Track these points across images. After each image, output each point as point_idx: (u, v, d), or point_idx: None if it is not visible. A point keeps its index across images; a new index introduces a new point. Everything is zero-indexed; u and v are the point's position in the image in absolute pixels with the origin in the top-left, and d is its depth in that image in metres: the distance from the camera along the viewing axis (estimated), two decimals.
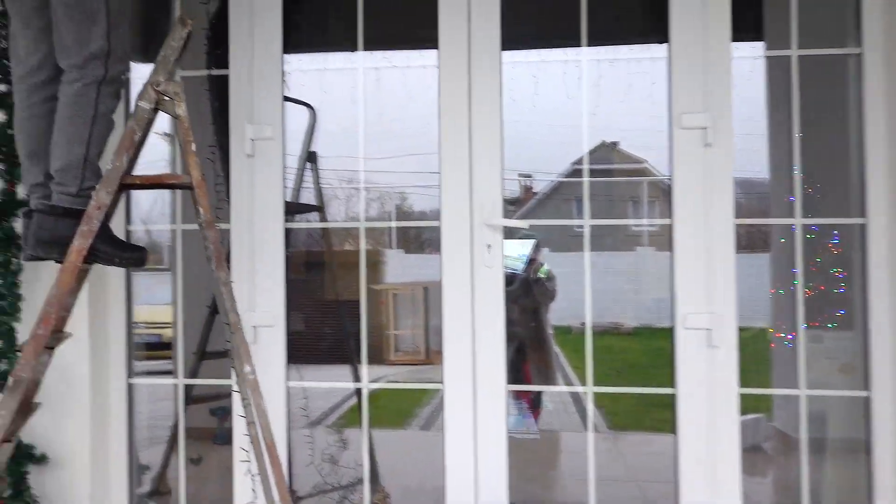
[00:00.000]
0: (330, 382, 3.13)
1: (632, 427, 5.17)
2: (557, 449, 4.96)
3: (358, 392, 3.08)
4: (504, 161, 2.43)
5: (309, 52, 2.93)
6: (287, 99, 2.97)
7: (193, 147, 1.91)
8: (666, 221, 2.39)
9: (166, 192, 2.72)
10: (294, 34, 2.73)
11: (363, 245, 2.58)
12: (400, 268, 12.45)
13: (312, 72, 2.81)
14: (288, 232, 2.75)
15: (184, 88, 1.91)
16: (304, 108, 3.15)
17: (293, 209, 3.12)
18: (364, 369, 2.71)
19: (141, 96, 1.87)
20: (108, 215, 2.06)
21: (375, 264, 12.11)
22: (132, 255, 1.90)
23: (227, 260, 2.54)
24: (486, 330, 2.38)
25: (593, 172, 2.70)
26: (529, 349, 5.32)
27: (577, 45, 2.49)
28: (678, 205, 2.34)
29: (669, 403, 2.33)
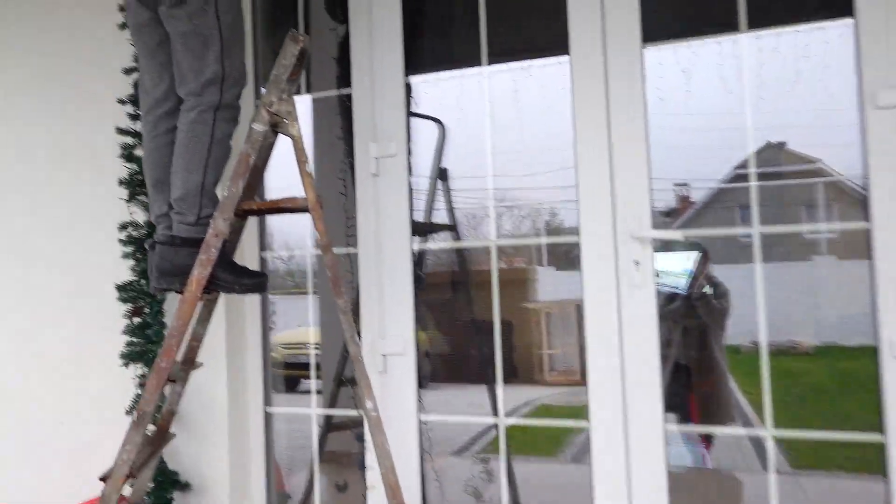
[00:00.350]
0: (464, 417, 2.91)
1: (819, 466, 4.47)
2: (730, 490, 4.40)
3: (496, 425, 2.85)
4: (651, 167, 2.12)
5: (435, 69, 2.79)
6: (414, 115, 2.87)
7: (309, 168, 1.82)
8: (861, 225, 1.94)
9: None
10: (416, 51, 2.62)
11: (495, 262, 2.36)
12: (551, 285, 12.09)
13: (442, 86, 2.67)
14: (422, 253, 2.63)
15: (296, 107, 1.83)
16: (432, 123, 3.02)
17: (425, 229, 3.00)
18: (500, 397, 2.48)
19: (254, 118, 1.82)
20: (233, 243, 2.04)
21: (525, 282, 11.87)
22: (252, 282, 1.84)
23: (356, 286, 2.45)
24: (637, 360, 2.07)
25: (760, 176, 2.30)
26: (696, 377, 4.70)
27: (734, 30, 2.13)
28: (878, 203, 1.89)
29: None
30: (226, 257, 1.82)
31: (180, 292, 1.75)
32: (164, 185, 1.85)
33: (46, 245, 2.69)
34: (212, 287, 1.78)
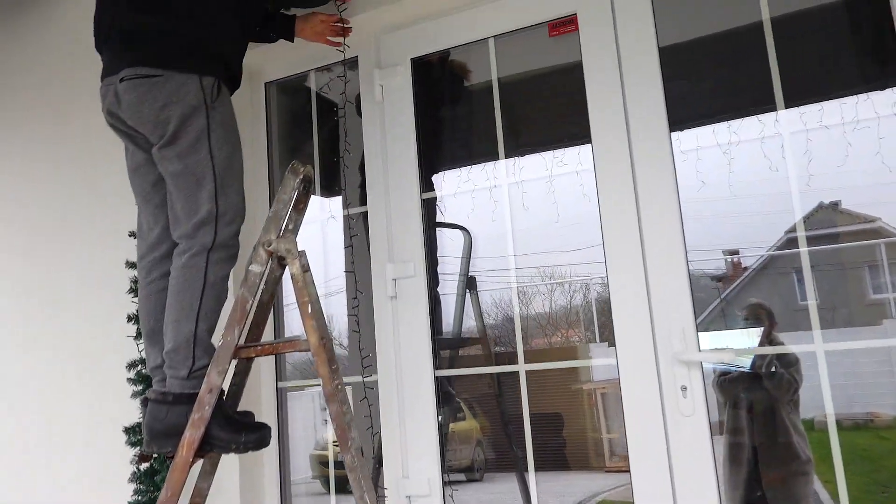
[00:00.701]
0: None
1: None
2: None
3: None
4: (689, 270, 1.91)
5: (453, 168, 2.67)
6: (439, 224, 2.75)
7: (310, 309, 1.66)
8: None
9: None
10: (438, 159, 2.52)
11: (521, 349, 2.14)
12: (605, 363, 11.52)
13: (462, 194, 2.53)
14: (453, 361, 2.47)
15: (297, 244, 1.69)
16: (459, 231, 2.87)
17: (454, 344, 2.80)
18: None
19: (252, 259, 1.69)
20: (238, 387, 1.89)
21: (577, 360, 11.38)
22: (252, 438, 1.66)
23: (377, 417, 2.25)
24: (691, 497, 1.79)
25: (813, 239, 2.09)
26: (768, 468, 4.00)
27: (772, 109, 1.97)
28: None
29: None
30: (223, 411, 1.65)
31: (172, 457, 1.58)
32: (158, 336, 1.72)
33: (66, 381, 2.59)
34: (206, 448, 1.61)
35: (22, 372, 2.70)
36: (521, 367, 2.11)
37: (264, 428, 1.72)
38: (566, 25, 2.11)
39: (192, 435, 1.57)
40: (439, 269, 2.76)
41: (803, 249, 1.97)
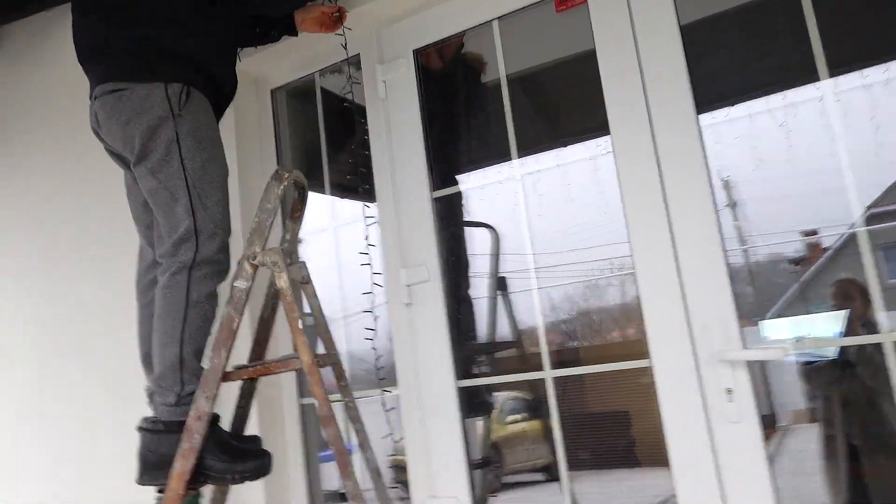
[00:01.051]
0: None
1: None
2: None
3: None
4: (727, 259, 1.69)
5: (476, 168, 2.51)
6: (466, 224, 2.60)
7: (300, 325, 1.54)
8: None
9: None
10: (451, 153, 2.37)
11: (546, 354, 1.95)
12: None
13: (478, 189, 2.37)
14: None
15: (283, 256, 1.57)
16: (484, 230, 2.72)
17: (486, 349, 2.64)
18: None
19: (236, 275, 1.58)
20: (244, 409, 1.79)
21: (641, 355, 11.02)
22: (248, 468, 1.54)
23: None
24: None
25: None
26: (868, 457, 3.49)
27: (816, 79, 1.74)
28: None
29: None
30: (218, 438, 1.55)
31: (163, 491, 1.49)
32: (150, 362, 1.63)
33: (89, 396, 2.57)
34: (200, 480, 1.51)
35: (42, 384, 2.69)
36: (548, 374, 1.92)
37: (264, 456, 1.60)
38: None
39: (181, 466, 1.47)
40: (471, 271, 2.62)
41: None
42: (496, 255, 2.75)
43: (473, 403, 2.31)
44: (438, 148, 2.19)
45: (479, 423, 2.63)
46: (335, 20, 2.04)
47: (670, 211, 1.73)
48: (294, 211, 1.90)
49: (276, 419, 2.30)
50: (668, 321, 1.71)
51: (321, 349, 2.06)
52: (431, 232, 2.09)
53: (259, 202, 1.61)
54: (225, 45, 1.74)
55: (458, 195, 2.36)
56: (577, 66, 1.99)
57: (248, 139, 2.44)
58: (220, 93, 1.74)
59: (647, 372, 1.76)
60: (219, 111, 1.79)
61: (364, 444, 1.85)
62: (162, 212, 1.58)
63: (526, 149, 2.05)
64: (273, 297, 1.86)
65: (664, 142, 1.76)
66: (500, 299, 2.70)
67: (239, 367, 1.62)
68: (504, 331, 2.72)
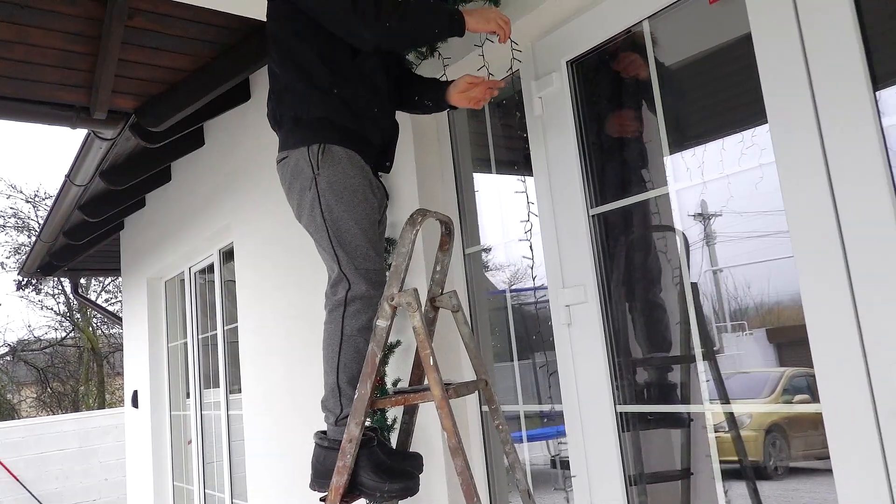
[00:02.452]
0: None
1: None
2: None
3: None
4: None
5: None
6: (655, 228, 2.47)
7: (432, 361, 1.65)
8: None
9: None
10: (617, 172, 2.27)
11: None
12: None
13: None
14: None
15: (417, 297, 1.70)
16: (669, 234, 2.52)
17: (675, 361, 2.47)
18: None
19: (378, 315, 1.75)
20: (408, 425, 1.97)
21: None
22: (394, 488, 1.72)
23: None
24: None
25: None
26: None
27: None
28: None
29: None
30: (374, 458, 1.75)
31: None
32: None
33: None
34: (354, 494, 1.73)
35: (293, 371, 3.23)
36: (706, 409, 1.77)
37: (413, 478, 1.77)
38: None
39: (337, 481, 1.70)
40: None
41: None
42: (686, 261, 2.55)
43: (667, 418, 2.22)
44: (602, 161, 2.11)
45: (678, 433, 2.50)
46: (482, 94, 1.96)
47: (840, 217, 1.46)
48: (443, 244, 2.02)
49: (459, 425, 2.47)
50: (837, 363, 1.45)
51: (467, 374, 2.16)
52: (588, 251, 2.04)
53: (396, 246, 1.76)
54: (361, 102, 1.86)
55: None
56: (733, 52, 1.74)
57: (426, 150, 2.60)
58: (368, 143, 1.89)
59: None
60: (383, 156, 1.98)
61: (514, 466, 1.92)
62: (323, 260, 1.82)
63: (676, 150, 1.88)
64: (429, 324, 2.01)
65: (834, 144, 1.48)
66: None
67: (383, 397, 1.80)
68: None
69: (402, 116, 2.57)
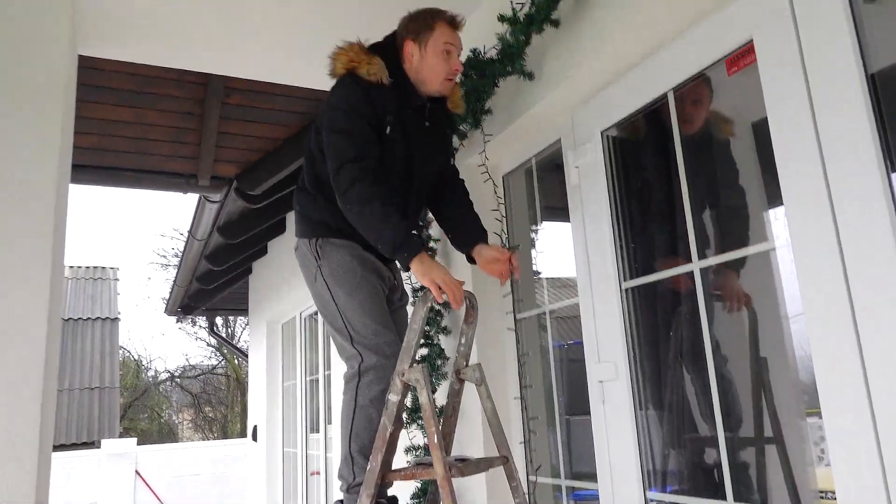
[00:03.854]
0: None
1: None
2: None
3: None
4: None
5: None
6: (717, 297, 2.35)
7: (436, 440, 1.68)
8: None
9: None
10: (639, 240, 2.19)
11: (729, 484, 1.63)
12: None
13: None
14: None
15: (426, 374, 1.74)
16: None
17: (747, 443, 2.29)
18: None
19: (390, 389, 1.80)
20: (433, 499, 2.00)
21: None
22: None
23: None
24: None
25: None
26: None
27: None
28: None
29: None
30: None
31: None
32: None
33: None
34: None
35: None
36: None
37: None
38: (744, 57, 1.62)
39: None
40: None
41: None
42: (754, 337, 2.37)
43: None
44: (638, 232, 2.06)
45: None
46: (504, 271, 2.02)
47: (855, 308, 1.33)
48: (468, 317, 2.05)
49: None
50: (852, 470, 1.31)
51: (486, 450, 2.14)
52: (620, 326, 1.98)
53: (408, 323, 1.82)
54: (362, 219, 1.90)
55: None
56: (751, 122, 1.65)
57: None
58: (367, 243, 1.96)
59: None
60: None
61: None
62: (335, 340, 1.94)
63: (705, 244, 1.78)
64: (454, 395, 2.04)
65: (847, 225, 1.35)
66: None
67: (394, 471, 1.84)
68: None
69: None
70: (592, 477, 2.15)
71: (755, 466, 1.96)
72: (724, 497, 1.70)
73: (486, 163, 2.49)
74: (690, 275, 1.83)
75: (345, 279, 1.92)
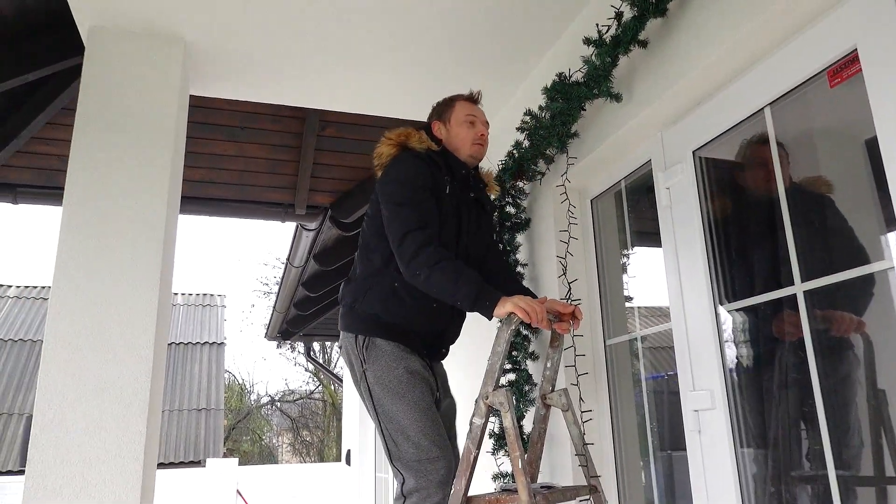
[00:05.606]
0: None
1: None
2: None
3: None
4: None
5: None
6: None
7: (520, 464, 1.65)
8: None
9: None
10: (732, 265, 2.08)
11: None
12: None
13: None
14: None
15: (510, 397, 1.71)
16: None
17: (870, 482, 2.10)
18: None
19: (474, 413, 1.79)
20: None
21: None
22: None
23: None
24: None
25: None
26: None
27: None
28: None
29: None
30: None
31: None
32: None
33: None
34: None
35: None
36: None
37: None
38: (847, 68, 1.52)
39: None
40: None
41: None
42: (871, 367, 2.19)
43: None
44: (735, 254, 1.96)
45: None
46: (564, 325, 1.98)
47: None
48: (553, 341, 2.01)
49: None
50: None
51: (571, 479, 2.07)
52: (716, 352, 1.88)
53: (492, 347, 1.81)
54: (419, 299, 1.97)
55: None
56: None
57: (566, 239, 2.61)
58: (417, 334, 2.00)
59: None
60: (439, 342, 2.09)
61: None
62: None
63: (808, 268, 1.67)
64: (540, 421, 2.00)
65: None
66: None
67: (478, 496, 1.81)
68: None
69: (544, 206, 2.64)
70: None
71: None
72: None
73: (565, 184, 2.47)
74: (793, 298, 1.72)
75: (391, 386, 1.90)
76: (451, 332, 2.12)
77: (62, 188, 2.25)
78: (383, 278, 1.97)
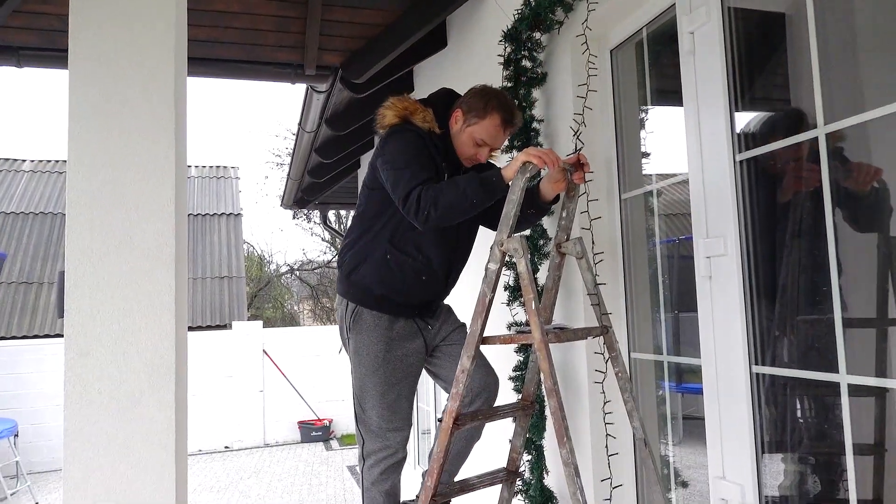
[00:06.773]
0: None
1: None
2: None
3: None
4: None
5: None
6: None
7: (533, 306, 1.72)
8: None
9: None
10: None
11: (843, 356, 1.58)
12: None
13: None
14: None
15: (524, 243, 1.75)
16: None
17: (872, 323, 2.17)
18: None
19: (489, 258, 1.84)
20: (524, 377, 2.06)
21: None
22: None
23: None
24: None
25: None
26: None
27: None
28: None
29: None
30: None
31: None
32: None
33: None
34: None
35: None
36: (843, 378, 1.58)
37: None
38: None
39: (451, 406, 1.88)
40: None
41: None
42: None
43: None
44: (756, 99, 1.91)
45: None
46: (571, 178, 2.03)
47: None
48: (569, 190, 2.02)
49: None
50: None
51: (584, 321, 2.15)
52: (731, 200, 1.89)
53: (507, 196, 1.82)
54: (409, 271, 2.10)
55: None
56: None
57: (582, 90, 2.55)
58: (406, 305, 2.12)
59: None
60: (427, 309, 2.20)
61: (631, 414, 1.92)
62: None
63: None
64: (556, 269, 2.06)
65: None
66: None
67: (493, 336, 1.90)
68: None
69: (561, 59, 2.56)
70: (696, 355, 2.14)
71: (875, 346, 1.86)
72: (836, 370, 1.64)
73: (585, 32, 2.37)
74: (815, 143, 1.70)
75: (367, 361, 2.05)
76: (441, 299, 2.26)
77: (65, 50, 2.19)
78: (376, 249, 2.06)
